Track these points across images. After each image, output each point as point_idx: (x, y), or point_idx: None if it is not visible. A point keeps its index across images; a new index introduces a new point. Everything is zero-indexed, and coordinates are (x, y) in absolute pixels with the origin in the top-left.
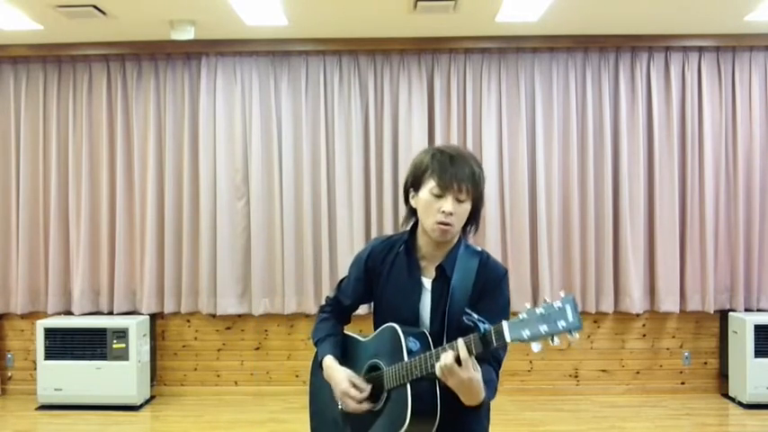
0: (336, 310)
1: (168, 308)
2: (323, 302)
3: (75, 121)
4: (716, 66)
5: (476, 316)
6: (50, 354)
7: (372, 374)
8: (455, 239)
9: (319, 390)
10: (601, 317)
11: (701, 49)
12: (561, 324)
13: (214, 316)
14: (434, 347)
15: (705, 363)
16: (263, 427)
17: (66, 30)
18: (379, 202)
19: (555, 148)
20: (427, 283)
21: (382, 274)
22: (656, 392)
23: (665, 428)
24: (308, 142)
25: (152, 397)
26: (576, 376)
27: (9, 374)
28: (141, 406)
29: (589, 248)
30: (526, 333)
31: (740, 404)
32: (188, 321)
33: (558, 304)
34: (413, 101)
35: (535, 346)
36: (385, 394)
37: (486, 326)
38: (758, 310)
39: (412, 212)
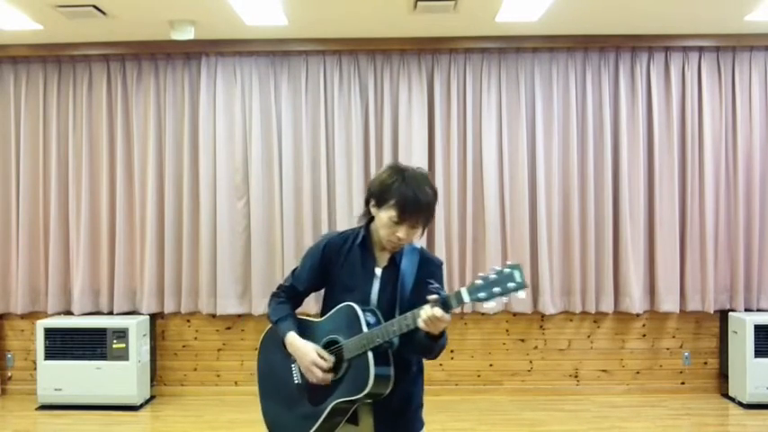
0: (291, 296)
1: (168, 308)
2: (275, 290)
3: (75, 121)
4: (716, 66)
5: (437, 285)
6: (50, 354)
7: (330, 348)
8: None
9: (270, 369)
10: (601, 317)
11: (701, 49)
12: (510, 285)
13: (214, 316)
14: (385, 321)
15: (705, 363)
16: (262, 427)
17: (67, 30)
18: None
19: (555, 148)
20: (378, 271)
21: (338, 263)
22: (656, 392)
23: (665, 428)
24: (308, 142)
25: (152, 397)
26: (576, 376)
27: (9, 374)
28: (141, 406)
29: (589, 248)
30: (482, 294)
31: (740, 404)
32: (188, 321)
33: (506, 270)
34: (413, 101)
35: (488, 305)
36: (345, 364)
37: (445, 293)
38: (758, 310)
39: (369, 214)
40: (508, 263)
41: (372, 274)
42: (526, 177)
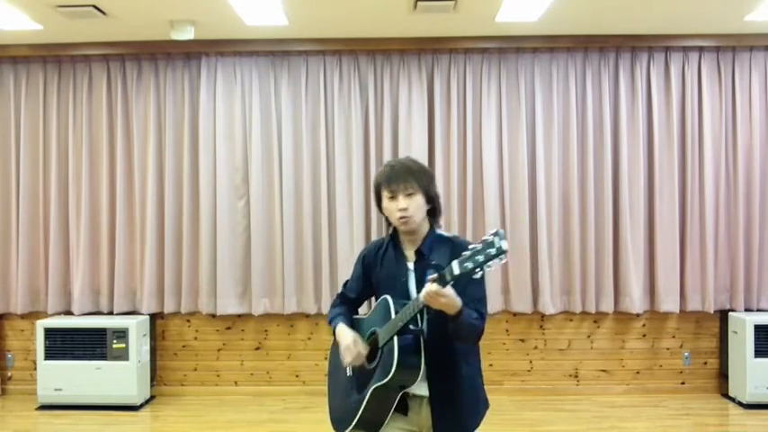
0: (343, 301)
1: (168, 308)
2: (333, 298)
3: (75, 121)
4: (716, 66)
5: (435, 262)
6: (50, 354)
7: (370, 339)
8: (426, 229)
9: (335, 368)
10: (601, 317)
11: (701, 49)
12: (490, 251)
13: (214, 316)
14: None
15: (705, 363)
16: (262, 427)
17: (67, 30)
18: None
19: (555, 148)
20: (410, 265)
21: (377, 267)
22: (656, 392)
23: (665, 428)
24: (308, 142)
25: (152, 397)
26: (576, 376)
27: (9, 374)
28: (141, 406)
29: (589, 248)
30: (468, 264)
31: (740, 404)
32: (188, 321)
33: (488, 238)
34: (413, 101)
35: (478, 274)
36: (380, 351)
37: (442, 270)
38: (758, 310)
39: (387, 219)
40: (492, 231)
41: (406, 269)
42: (526, 177)
